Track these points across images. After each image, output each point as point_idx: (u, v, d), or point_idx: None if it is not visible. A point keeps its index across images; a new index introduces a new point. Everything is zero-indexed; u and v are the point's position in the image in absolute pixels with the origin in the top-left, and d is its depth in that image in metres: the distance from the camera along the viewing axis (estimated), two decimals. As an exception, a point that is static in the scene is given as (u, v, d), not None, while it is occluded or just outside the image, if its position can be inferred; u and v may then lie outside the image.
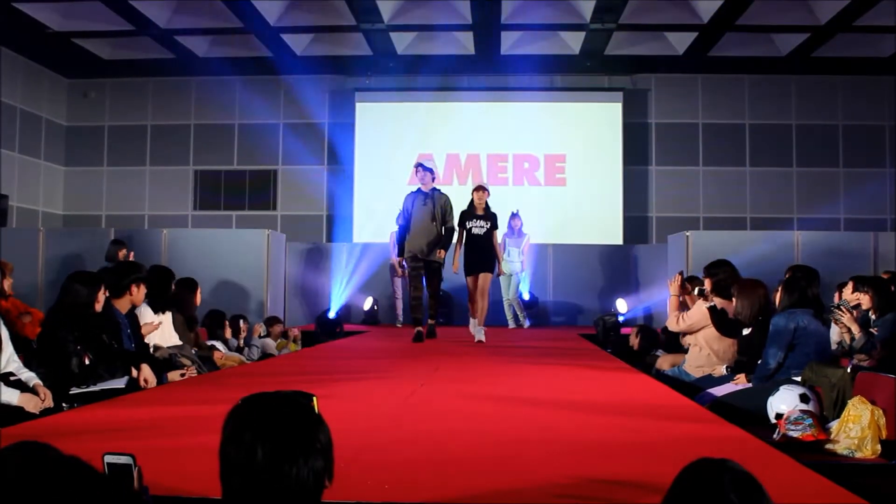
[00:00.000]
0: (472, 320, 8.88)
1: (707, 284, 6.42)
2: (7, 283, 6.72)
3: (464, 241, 8.84)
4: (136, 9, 11.67)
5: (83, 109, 15.17)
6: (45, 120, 14.58)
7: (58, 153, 15.00)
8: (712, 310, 6.18)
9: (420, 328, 8.67)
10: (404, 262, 9.09)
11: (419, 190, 8.76)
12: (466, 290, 9.04)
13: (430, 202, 8.59)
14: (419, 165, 8.82)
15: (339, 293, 13.18)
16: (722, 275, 6.35)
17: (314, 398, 1.73)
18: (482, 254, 8.73)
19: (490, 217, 8.82)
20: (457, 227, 8.82)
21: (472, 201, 8.90)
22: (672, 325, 6.45)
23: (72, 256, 10.90)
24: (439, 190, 8.83)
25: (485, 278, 8.77)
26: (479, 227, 8.74)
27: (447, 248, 8.71)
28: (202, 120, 15.00)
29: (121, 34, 12.90)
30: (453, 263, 8.89)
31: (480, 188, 8.91)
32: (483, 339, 8.50)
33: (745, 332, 5.70)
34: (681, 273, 7.00)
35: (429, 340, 8.77)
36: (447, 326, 12.25)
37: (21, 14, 11.73)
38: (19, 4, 11.47)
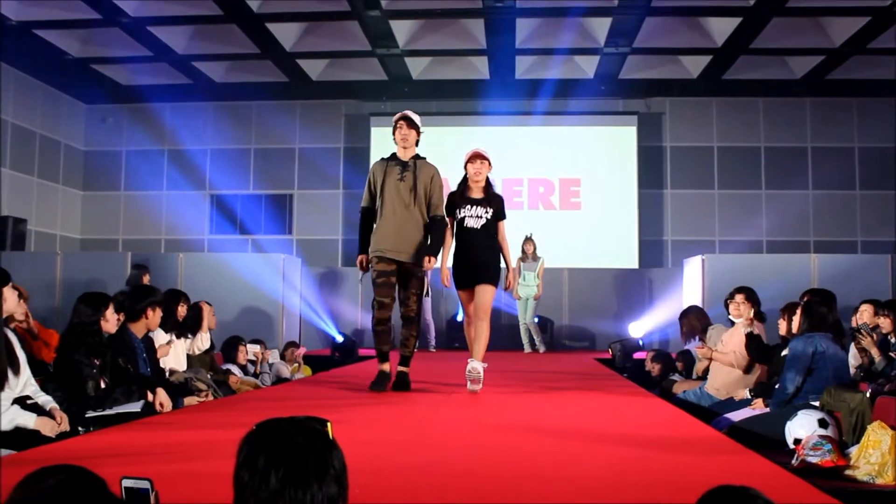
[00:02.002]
0: (470, 361, 5.98)
1: (746, 308, 6.37)
2: (22, 308, 6.73)
3: (453, 237, 6.29)
4: (155, 35, 11.81)
5: (101, 134, 15.30)
6: (63, 145, 14.72)
7: (76, 177, 15.12)
8: (750, 336, 6.14)
9: (385, 366, 6.12)
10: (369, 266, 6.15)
11: (393, 155, 6.19)
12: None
13: (410, 175, 6.05)
14: (402, 117, 6.13)
15: (354, 317, 13.16)
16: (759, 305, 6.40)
17: (328, 423, 1.72)
18: (479, 257, 6.13)
19: (491, 201, 6.20)
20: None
21: (464, 178, 6.27)
22: (741, 364, 6.30)
23: (89, 280, 10.96)
24: (423, 158, 6.20)
25: (484, 293, 6.09)
26: (474, 215, 6.14)
27: (437, 252, 6.06)
28: (219, 145, 15.10)
29: (139, 60, 13.04)
30: (442, 272, 6.27)
31: (477, 156, 6.20)
32: (478, 385, 5.83)
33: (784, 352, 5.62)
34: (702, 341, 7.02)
35: (396, 393, 5.92)
36: (460, 350, 12.25)
37: (41, 41, 11.90)
38: (40, 31, 11.63)
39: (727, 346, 6.34)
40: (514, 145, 14.37)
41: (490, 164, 6.25)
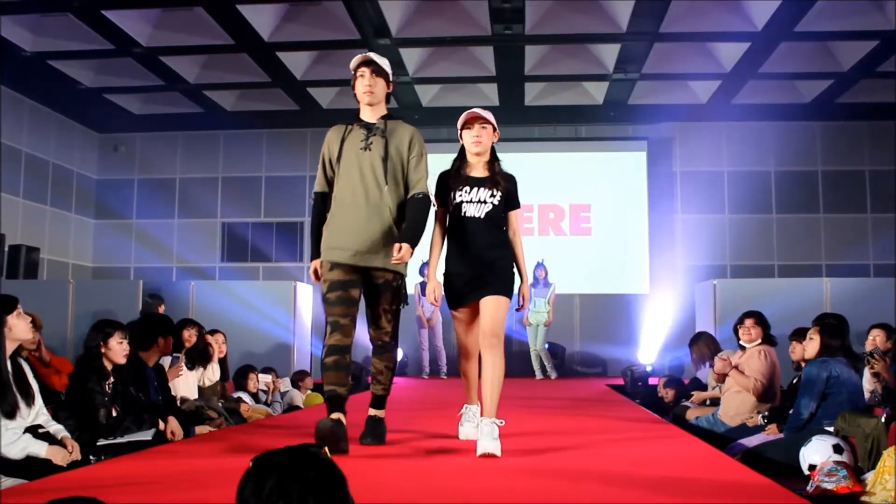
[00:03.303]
0: (466, 408, 4.78)
1: (756, 332, 6.33)
2: (34, 336, 6.76)
3: (445, 231, 4.58)
4: (167, 64, 11.92)
5: (113, 163, 15.41)
6: (76, 173, 14.82)
7: (88, 206, 15.21)
8: None
9: (336, 415, 4.15)
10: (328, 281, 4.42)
11: (356, 117, 4.60)
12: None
13: (379, 140, 4.44)
14: (364, 62, 4.48)
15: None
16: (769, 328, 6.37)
17: (325, 447, 1.73)
18: (484, 257, 4.42)
19: (499, 181, 4.54)
20: (433, 200, 4.58)
21: (461, 152, 4.66)
22: (757, 389, 6.18)
23: (100, 309, 10.98)
24: (399, 119, 4.66)
25: (494, 309, 4.31)
26: (476, 200, 4.46)
27: (415, 241, 4.33)
28: (230, 172, 15.20)
29: (151, 89, 13.17)
30: (429, 280, 4.59)
31: (476, 118, 4.59)
32: (494, 449, 4.00)
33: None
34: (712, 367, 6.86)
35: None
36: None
37: (55, 71, 12.02)
38: (54, 62, 11.76)
39: (745, 371, 6.27)
40: (523, 171, 14.17)
41: (496, 129, 4.65)
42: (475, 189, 4.49)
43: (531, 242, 13.63)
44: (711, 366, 7.03)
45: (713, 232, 14.39)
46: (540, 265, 11.61)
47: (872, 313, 8.63)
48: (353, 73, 4.53)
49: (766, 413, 5.93)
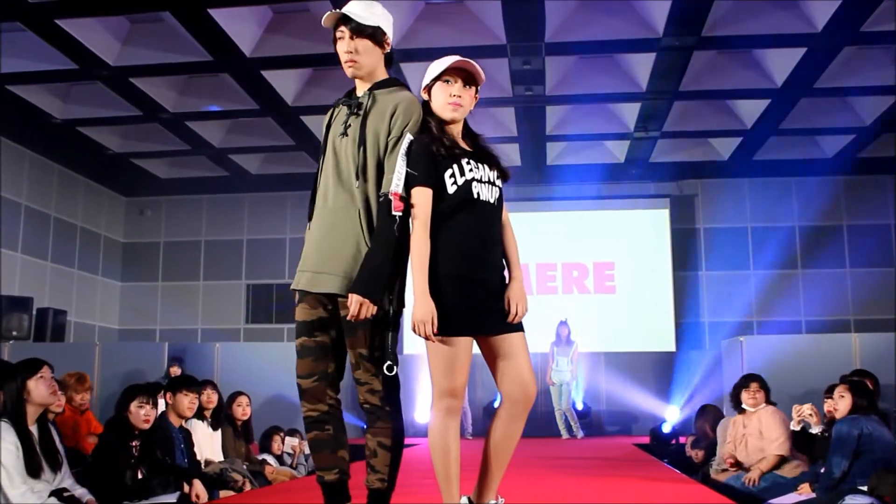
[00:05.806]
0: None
1: (761, 397, 6.25)
2: (60, 400, 6.77)
3: (440, 222, 2.98)
4: (193, 129, 12.13)
5: (140, 226, 15.61)
6: (103, 237, 15.01)
7: (114, 269, 15.37)
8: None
9: None
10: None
11: (350, 95, 3.22)
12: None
13: (356, 122, 3.08)
14: (339, 18, 3.04)
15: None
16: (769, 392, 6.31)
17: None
18: (498, 265, 3.13)
19: (498, 160, 3.21)
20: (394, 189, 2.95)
21: (426, 108, 3.11)
22: (786, 448, 6.05)
23: (126, 371, 11.01)
24: (398, 85, 3.14)
25: (527, 355, 3.01)
26: (486, 181, 3.09)
27: (372, 287, 2.86)
28: (254, 235, 15.33)
29: (177, 154, 13.38)
30: (417, 299, 2.86)
31: (463, 69, 3.04)
32: None
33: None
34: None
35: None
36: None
37: (84, 137, 12.28)
38: (83, 128, 12.00)
39: (766, 434, 6.15)
40: (547, 230, 14.41)
41: (481, 72, 3.09)
42: (480, 165, 3.09)
43: (555, 301, 13.62)
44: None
45: (739, 288, 14.30)
46: (563, 323, 11.52)
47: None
48: (332, 32, 3.13)
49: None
